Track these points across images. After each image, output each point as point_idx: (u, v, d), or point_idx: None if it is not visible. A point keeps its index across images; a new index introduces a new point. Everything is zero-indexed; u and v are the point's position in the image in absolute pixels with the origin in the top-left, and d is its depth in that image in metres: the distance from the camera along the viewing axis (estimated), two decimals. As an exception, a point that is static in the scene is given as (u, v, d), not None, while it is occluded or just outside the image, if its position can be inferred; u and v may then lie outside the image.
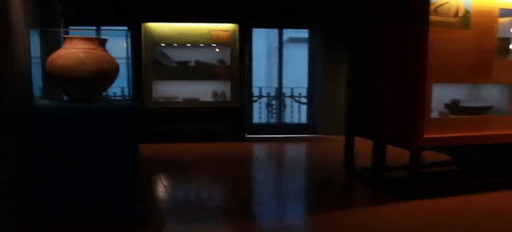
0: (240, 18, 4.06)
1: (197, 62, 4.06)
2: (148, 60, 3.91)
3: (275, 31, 4.98)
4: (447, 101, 2.55)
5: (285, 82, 4.80)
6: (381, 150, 2.66)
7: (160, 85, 4.04)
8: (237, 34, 4.02)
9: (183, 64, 4.04)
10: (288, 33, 6.65)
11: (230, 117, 4.11)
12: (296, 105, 4.87)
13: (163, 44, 4.00)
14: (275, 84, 4.83)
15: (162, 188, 2.56)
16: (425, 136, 2.19)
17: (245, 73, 4.17)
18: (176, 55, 4.04)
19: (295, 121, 4.91)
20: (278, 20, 4.48)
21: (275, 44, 5.12)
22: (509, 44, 2.51)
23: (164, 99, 4.06)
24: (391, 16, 2.38)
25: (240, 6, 4.16)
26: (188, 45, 4.02)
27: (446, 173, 2.99)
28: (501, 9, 2.35)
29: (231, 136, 4.08)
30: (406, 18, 2.24)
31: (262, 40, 7.93)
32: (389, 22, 2.40)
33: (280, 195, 2.57)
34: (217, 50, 4.14)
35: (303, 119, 4.91)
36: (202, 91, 4.10)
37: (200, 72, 4.05)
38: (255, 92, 4.63)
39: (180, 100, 4.07)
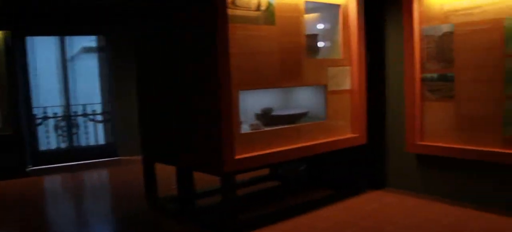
0: (9, 25, 3.92)
1: None
2: None
3: (68, 40, 4.87)
4: (258, 111, 2.70)
5: (77, 99, 4.74)
6: (187, 175, 2.65)
7: None
8: (1, 44, 3.85)
9: None
10: (81, 41, 6.30)
11: (3, 147, 3.95)
12: (91, 124, 4.84)
13: None
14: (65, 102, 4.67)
15: None
16: (236, 157, 2.20)
17: (20, 92, 4.04)
18: None
19: (92, 143, 4.84)
20: (59, 26, 4.38)
21: (68, 54, 4.99)
22: (317, 41, 2.83)
23: None
24: (183, 16, 2.37)
25: (7, 10, 3.93)
26: None
27: (264, 192, 3.17)
28: (307, 3, 2.56)
29: (8, 171, 3.92)
30: (200, 14, 2.22)
31: (50, 51, 7.30)
32: (181, 22, 2.37)
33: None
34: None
35: (101, 140, 4.87)
36: None
37: None
38: (39, 113, 4.48)
39: None
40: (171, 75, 2.48)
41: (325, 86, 2.72)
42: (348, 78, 2.84)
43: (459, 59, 2.55)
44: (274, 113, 2.72)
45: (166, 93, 2.52)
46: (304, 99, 2.93)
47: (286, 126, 2.55)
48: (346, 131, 2.88)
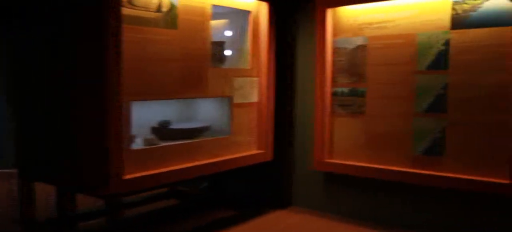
0: None
1: None
2: None
3: None
4: (155, 124, 2.57)
5: None
6: (69, 194, 2.48)
7: None
8: None
9: None
10: None
11: None
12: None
13: None
14: None
15: None
16: (125, 177, 2.06)
17: None
18: None
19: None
20: None
21: None
22: (224, 49, 2.79)
23: None
24: (69, 14, 2.19)
25: None
26: None
27: (161, 211, 3.05)
28: (214, 7, 2.48)
29: None
30: (89, 12, 2.05)
31: None
32: (66, 21, 2.17)
33: None
34: None
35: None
36: None
37: None
38: None
39: None
40: (53, 80, 2.28)
41: (230, 98, 2.67)
42: (255, 90, 2.82)
43: (371, 74, 2.63)
44: (172, 126, 2.63)
45: (46, 100, 2.32)
46: (207, 111, 2.87)
47: (185, 141, 2.46)
48: (252, 146, 2.85)
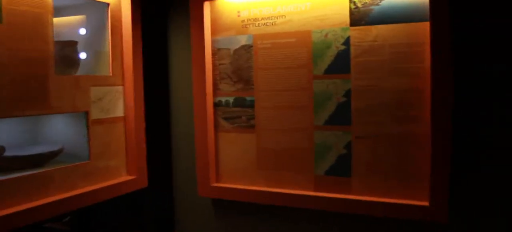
0: None
1: None
2: None
3: None
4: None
5: None
6: None
7: None
8: None
9: None
10: None
11: None
12: None
13: None
14: None
15: None
16: None
17: None
18: None
19: None
20: None
21: None
22: (76, 51, 2.18)
23: None
24: None
25: None
26: None
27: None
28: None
29: None
30: None
31: None
32: None
33: None
34: None
35: None
36: None
37: None
38: None
39: None
40: None
41: (86, 113, 2.08)
42: (120, 101, 2.25)
43: (259, 79, 2.18)
44: (9, 153, 1.98)
45: None
46: (57, 131, 2.25)
47: (29, 172, 1.84)
48: (121, 172, 2.29)
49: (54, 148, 2.12)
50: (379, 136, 1.93)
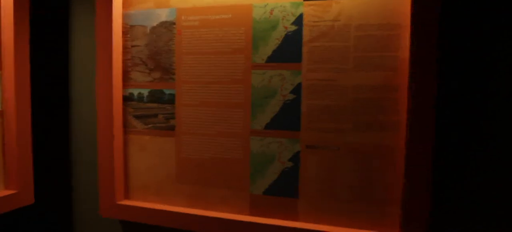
0: None
1: None
2: None
3: None
4: None
5: None
6: None
7: None
8: None
9: None
10: None
11: None
12: None
13: None
14: None
15: None
16: None
17: None
18: None
19: None
20: None
21: None
22: None
23: None
24: None
25: None
26: None
27: None
28: None
29: None
30: None
31: None
32: None
33: None
34: None
35: None
36: None
37: None
38: None
39: None
40: None
41: None
42: (-7, 92, 1.67)
43: (183, 68, 1.64)
44: None
45: None
46: None
47: None
48: (-4, 186, 1.71)
49: None
50: (336, 146, 1.44)
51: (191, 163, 1.65)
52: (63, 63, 1.87)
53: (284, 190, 1.53)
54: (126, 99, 1.74)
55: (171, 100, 1.66)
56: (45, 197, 1.85)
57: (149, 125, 1.71)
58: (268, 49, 1.50)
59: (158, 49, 1.67)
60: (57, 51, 1.87)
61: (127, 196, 1.77)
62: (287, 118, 1.50)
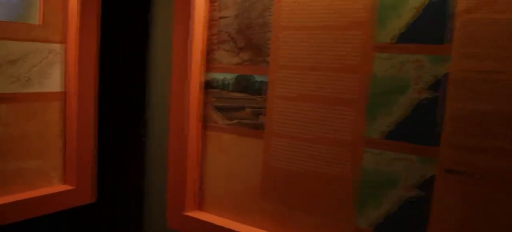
0: None
1: None
2: None
3: None
4: None
5: None
6: None
7: None
8: None
9: None
10: None
11: None
12: None
13: None
14: None
15: None
16: None
17: None
18: None
19: None
20: None
21: None
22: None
23: None
24: None
25: None
26: None
27: None
28: None
29: None
30: None
31: None
32: None
33: None
34: None
35: None
36: None
37: None
38: None
39: None
40: None
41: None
42: (56, 69, 1.39)
43: (280, 47, 1.23)
44: None
45: None
46: None
47: None
48: (52, 179, 1.44)
49: None
50: (491, 172, 0.92)
51: (281, 174, 1.22)
52: (144, 36, 1.54)
53: (406, 228, 1.04)
54: (207, 85, 1.35)
55: (263, 89, 1.24)
56: (109, 196, 1.53)
57: (233, 121, 1.31)
58: (400, 22, 1.02)
59: (250, 21, 1.26)
60: (136, 22, 1.54)
61: (199, 207, 1.39)
62: (421, 126, 1.01)
